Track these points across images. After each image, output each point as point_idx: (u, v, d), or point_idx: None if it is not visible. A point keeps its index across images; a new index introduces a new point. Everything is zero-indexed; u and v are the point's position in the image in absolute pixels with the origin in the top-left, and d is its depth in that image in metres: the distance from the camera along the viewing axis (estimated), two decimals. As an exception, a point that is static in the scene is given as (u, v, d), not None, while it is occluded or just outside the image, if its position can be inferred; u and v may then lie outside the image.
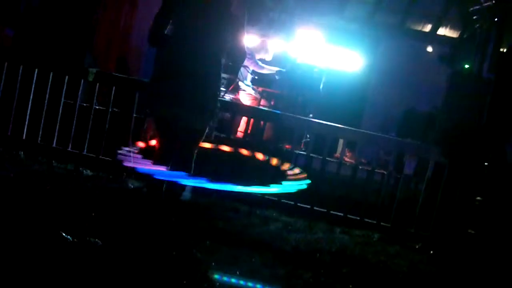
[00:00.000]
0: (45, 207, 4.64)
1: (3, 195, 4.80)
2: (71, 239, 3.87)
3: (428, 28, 12.57)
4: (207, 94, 4.35)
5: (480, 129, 6.35)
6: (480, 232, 5.92)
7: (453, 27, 12.32)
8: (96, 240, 3.96)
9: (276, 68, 9.34)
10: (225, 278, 3.88)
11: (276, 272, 4.24)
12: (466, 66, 10.85)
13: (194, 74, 4.28)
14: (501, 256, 5.57)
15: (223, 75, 4.90)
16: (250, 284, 3.90)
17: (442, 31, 12.50)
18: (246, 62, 8.77)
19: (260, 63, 9.11)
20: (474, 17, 10.92)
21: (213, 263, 4.11)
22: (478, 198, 6.12)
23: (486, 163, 6.24)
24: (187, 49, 4.30)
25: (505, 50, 9.62)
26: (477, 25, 11.04)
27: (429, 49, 12.44)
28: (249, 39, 9.12)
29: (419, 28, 12.63)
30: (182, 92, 4.27)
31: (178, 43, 4.31)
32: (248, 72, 9.10)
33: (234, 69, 4.55)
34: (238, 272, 4.03)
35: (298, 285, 4.08)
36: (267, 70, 9.21)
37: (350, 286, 4.25)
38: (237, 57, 4.57)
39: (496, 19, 9.85)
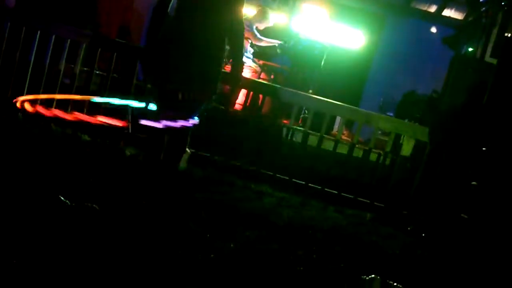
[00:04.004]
0: (43, 170, 4.66)
1: (1, 158, 4.81)
2: (69, 204, 3.89)
3: (433, 8, 12.49)
4: (209, 66, 4.35)
5: (480, 114, 6.36)
6: (473, 217, 5.96)
7: (458, 9, 12.24)
8: (94, 205, 3.98)
9: (276, 41, 9.26)
10: (219, 251, 3.91)
11: (270, 247, 4.27)
12: (470, 49, 10.80)
13: (196, 46, 4.28)
14: (493, 242, 5.62)
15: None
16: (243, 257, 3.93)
17: (448, 12, 12.42)
18: (245, 34, 8.71)
19: (258, 35, 9.03)
20: (481, 0, 10.85)
21: (207, 235, 4.15)
22: (474, 183, 6.14)
23: (484, 148, 6.25)
24: (189, 22, 4.29)
25: (510, 35, 9.59)
26: (483, 8, 10.97)
27: (433, 30, 12.38)
28: (247, 8, 9.00)
29: (424, 8, 12.55)
30: (184, 64, 4.26)
31: (180, 16, 4.30)
32: (248, 44, 9.03)
33: (234, 44, 4.51)
34: (232, 245, 4.07)
35: (291, 262, 4.10)
36: (265, 42, 9.12)
37: (342, 264, 4.29)
38: (235, 30, 4.52)
39: (503, 3, 9.79)
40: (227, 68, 5.81)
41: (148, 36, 4.49)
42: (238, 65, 4.62)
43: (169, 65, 4.29)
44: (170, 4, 4.33)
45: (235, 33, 4.49)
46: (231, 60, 4.72)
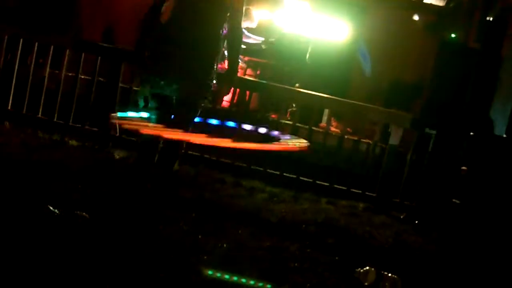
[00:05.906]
0: (31, 178, 4.63)
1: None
2: (58, 213, 3.85)
3: (415, -4, 12.49)
4: (204, 66, 4.34)
5: (466, 99, 6.38)
6: (464, 202, 5.98)
7: (440, -5, 12.25)
8: (83, 213, 3.94)
9: (262, 38, 9.28)
10: (212, 251, 3.90)
11: (263, 244, 4.27)
12: (453, 35, 10.82)
13: (190, 47, 4.27)
14: (485, 226, 5.64)
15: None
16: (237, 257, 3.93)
17: (429, -1, 12.42)
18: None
19: (246, 32, 9.03)
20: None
21: (199, 236, 4.13)
22: (464, 168, 6.17)
23: (471, 133, 6.28)
24: (185, 21, 4.28)
25: (491, 19, 9.61)
26: (464, -7, 11.00)
27: (415, 17, 12.38)
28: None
29: (406, -5, 12.54)
30: (178, 63, 4.26)
31: (176, 16, 4.29)
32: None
33: (233, 46, 4.50)
34: (225, 245, 4.06)
35: (284, 258, 4.10)
36: (252, 39, 9.14)
37: (336, 258, 4.29)
38: (235, 34, 4.51)
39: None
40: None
41: (139, 40, 4.50)
42: (235, 66, 4.62)
43: (163, 66, 4.29)
44: (162, 8, 4.33)
45: (235, 35, 4.48)
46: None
